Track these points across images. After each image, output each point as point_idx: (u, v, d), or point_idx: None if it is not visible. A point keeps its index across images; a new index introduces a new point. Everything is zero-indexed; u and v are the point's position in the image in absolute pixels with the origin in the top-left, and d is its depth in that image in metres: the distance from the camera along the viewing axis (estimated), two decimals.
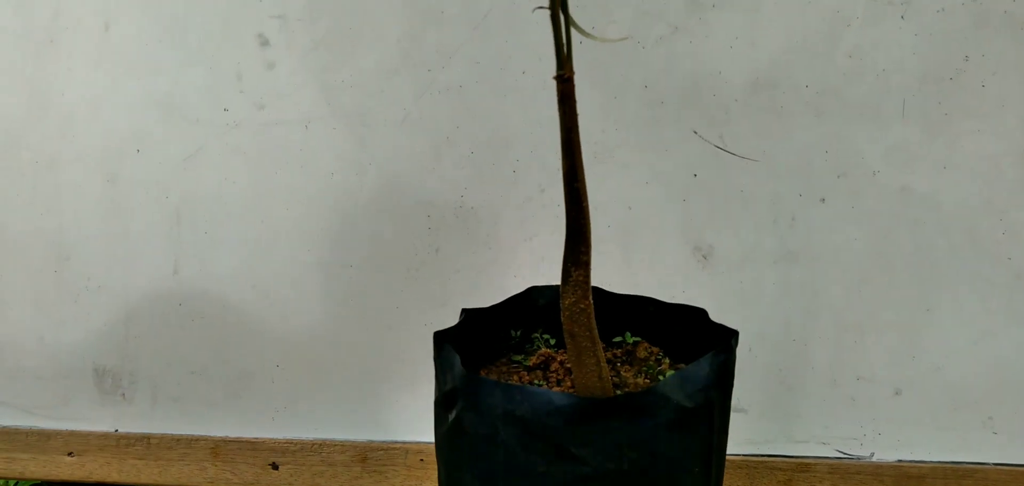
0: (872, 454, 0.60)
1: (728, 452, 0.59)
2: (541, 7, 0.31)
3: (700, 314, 0.37)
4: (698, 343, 0.36)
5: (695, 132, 0.60)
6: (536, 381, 0.37)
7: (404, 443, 0.63)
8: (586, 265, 0.33)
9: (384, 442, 0.64)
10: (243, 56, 0.64)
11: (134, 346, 0.66)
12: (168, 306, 0.65)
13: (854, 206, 0.59)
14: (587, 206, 0.33)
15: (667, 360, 0.38)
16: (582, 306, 0.33)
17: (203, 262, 0.65)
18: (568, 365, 0.34)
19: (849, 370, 0.60)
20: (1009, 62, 0.56)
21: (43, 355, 0.67)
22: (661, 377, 0.36)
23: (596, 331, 0.34)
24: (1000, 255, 0.57)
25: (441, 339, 0.33)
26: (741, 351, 0.60)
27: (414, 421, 0.62)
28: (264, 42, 0.64)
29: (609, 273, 0.61)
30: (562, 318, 0.34)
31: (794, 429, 0.61)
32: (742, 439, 0.60)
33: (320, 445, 0.65)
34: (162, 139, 0.65)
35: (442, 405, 0.34)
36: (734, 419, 0.60)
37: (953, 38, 0.57)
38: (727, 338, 0.33)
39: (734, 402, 0.60)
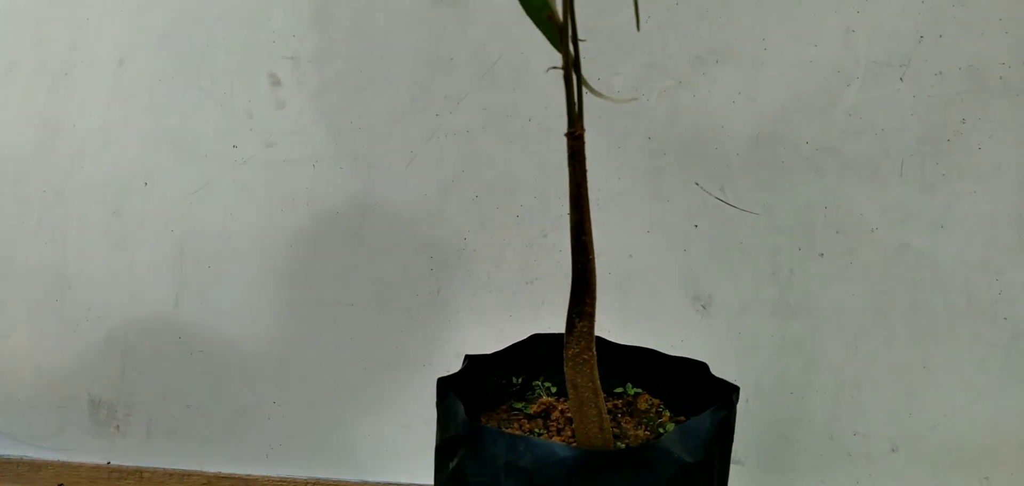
0: None
1: None
2: (555, 67, 0.32)
3: (701, 368, 0.38)
4: (699, 396, 0.37)
5: (697, 184, 0.61)
6: (537, 429, 0.37)
7: (399, 485, 0.63)
8: (590, 316, 0.33)
9: (380, 482, 0.63)
10: (255, 95, 0.65)
11: (131, 378, 0.66)
12: (167, 339, 0.65)
13: (852, 262, 0.60)
14: (593, 259, 0.33)
15: (667, 412, 0.39)
16: (586, 357, 0.34)
17: (204, 297, 0.65)
18: (569, 414, 0.35)
19: (846, 425, 0.60)
20: (1005, 126, 0.57)
21: (39, 384, 0.67)
22: (661, 430, 0.36)
23: (598, 382, 0.34)
24: (996, 314, 0.58)
25: (445, 386, 0.34)
26: (739, 403, 0.60)
27: (411, 462, 0.62)
28: (276, 82, 0.65)
29: (609, 319, 0.61)
30: (565, 368, 0.34)
31: (790, 482, 0.61)
32: None
33: (314, 484, 0.65)
34: (170, 174, 0.66)
35: (443, 452, 0.34)
36: (732, 472, 0.60)
37: (951, 101, 0.58)
38: (728, 393, 0.34)
39: (732, 455, 0.60)
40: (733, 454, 0.60)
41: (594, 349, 0.33)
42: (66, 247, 0.67)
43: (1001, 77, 0.58)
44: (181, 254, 0.66)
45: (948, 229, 0.58)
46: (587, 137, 0.61)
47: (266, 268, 0.64)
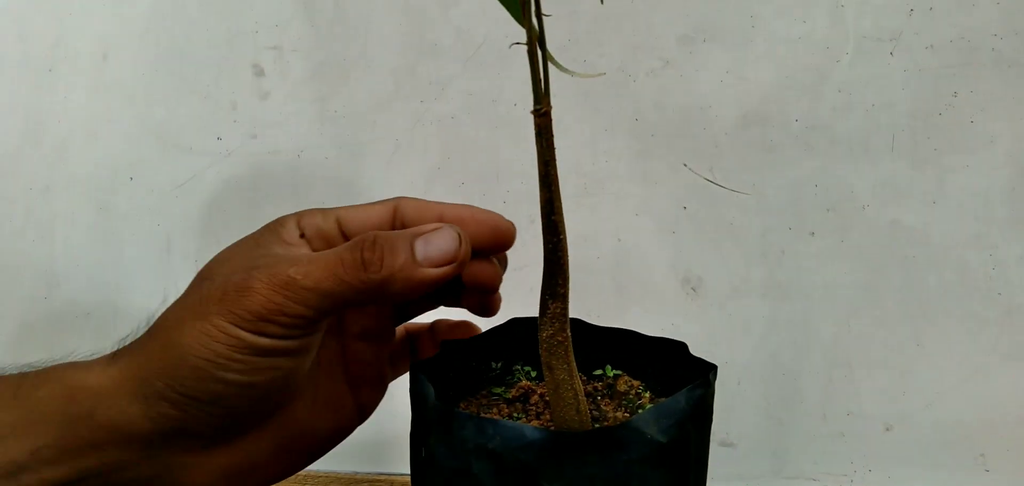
0: None
1: None
2: (518, 43, 0.31)
3: (681, 347, 0.37)
4: (679, 376, 0.36)
5: (685, 165, 0.61)
6: (515, 414, 0.37)
7: (389, 475, 0.63)
8: (564, 298, 0.33)
9: (369, 474, 0.63)
10: (238, 86, 0.64)
11: None
12: None
13: (844, 240, 0.59)
14: (565, 238, 0.33)
15: (648, 393, 0.38)
16: (560, 339, 0.33)
17: None
18: (548, 398, 0.34)
19: (839, 405, 0.59)
20: (997, 99, 0.57)
21: None
22: (641, 411, 0.36)
23: (574, 364, 0.34)
24: (990, 290, 0.57)
25: (416, 370, 0.33)
26: (730, 384, 0.60)
27: (400, 453, 0.61)
28: (259, 72, 0.64)
29: (598, 304, 0.61)
30: (540, 351, 0.33)
31: (783, 465, 0.60)
32: (730, 474, 0.60)
33: (305, 476, 0.64)
34: (155, 168, 0.65)
35: (416, 437, 0.33)
36: (722, 454, 0.59)
37: (942, 75, 0.57)
38: (705, 372, 0.33)
39: (723, 437, 0.60)
40: (725, 436, 0.60)
41: (569, 331, 0.33)
42: (54, 243, 0.67)
43: (993, 49, 0.57)
44: (168, 248, 0.66)
45: (940, 204, 0.58)
46: (572, 121, 0.61)
47: None
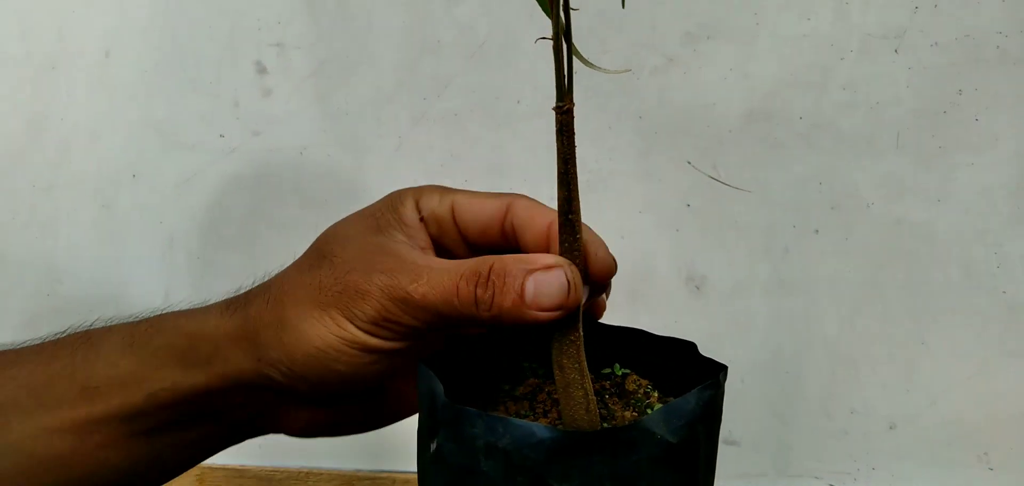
0: None
1: None
2: (544, 38, 0.31)
3: (690, 347, 0.37)
4: (688, 376, 0.36)
5: (689, 162, 0.60)
6: (522, 411, 0.36)
7: (391, 472, 0.63)
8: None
9: (371, 471, 0.63)
10: (241, 83, 0.64)
11: None
12: None
13: (848, 238, 0.59)
14: (582, 238, 0.33)
15: (656, 393, 0.38)
16: (572, 337, 0.33)
17: (194, 287, 0.65)
18: (556, 396, 0.34)
19: (843, 402, 0.59)
20: (1003, 96, 0.56)
21: None
22: (649, 410, 0.36)
23: (585, 363, 0.33)
24: (995, 288, 0.57)
25: (424, 366, 0.33)
26: (733, 382, 0.60)
27: (402, 450, 0.61)
28: (262, 69, 0.64)
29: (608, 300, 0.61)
30: (552, 349, 0.33)
31: (787, 462, 0.60)
32: (734, 472, 0.60)
33: (306, 474, 0.64)
34: (158, 165, 0.65)
35: (424, 434, 0.33)
36: (726, 452, 0.59)
37: (947, 72, 0.57)
38: (715, 372, 0.33)
39: (726, 434, 0.60)
40: (728, 434, 0.60)
41: (581, 330, 0.33)
42: (57, 241, 0.67)
43: (998, 46, 0.57)
44: (170, 246, 0.65)
45: (945, 202, 0.58)
46: (577, 118, 0.61)
47: (255, 257, 0.64)
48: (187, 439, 0.37)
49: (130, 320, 0.38)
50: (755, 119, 0.59)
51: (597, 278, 0.34)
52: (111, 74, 0.66)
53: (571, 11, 0.30)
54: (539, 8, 0.30)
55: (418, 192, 0.37)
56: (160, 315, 0.37)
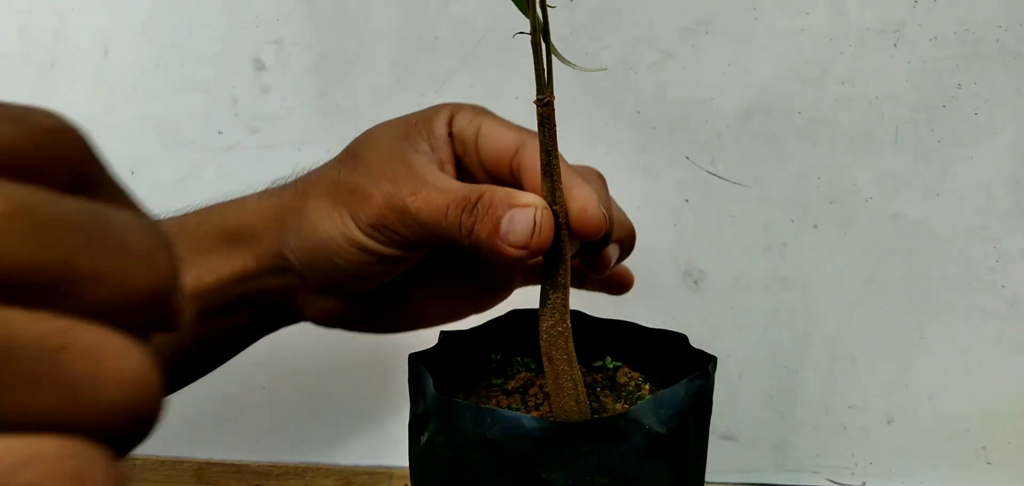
0: (864, 483, 0.60)
1: (718, 481, 0.59)
2: (522, 33, 0.31)
3: (681, 339, 0.37)
4: (680, 368, 0.36)
5: (687, 158, 0.60)
6: (514, 405, 0.37)
7: (389, 468, 0.63)
8: (565, 288, 0.33)
9: (369, 466, 0.63)
10: (239, 80, 0.64)
11: None
12: None
13: (846, 233, 0.59)
14: (565, 229, 0.33)
15: (648, 385, 0.38)
16: (560, 330, 0.33)
17: None
18: (547, 389, 0.34)
19: (841, 398, 0.59)
20: (1001, 90, 0.56)
21: None
22: (640, 401, 0.36)
23: (574, 355, 0.34)
24: (994, 283, 0.57)
25: (415, 360, 0.33)
26: (732, 378, 0.60)
27: (399, 446, 0.61)
28: (260, 66, 0.64)
29: (600, 297, 0.61)
30: (540, 341, 0.33)
31: (785, 457, 0.60)
32: (732, 467, 0.60)
33: (305, 469, 0.64)
34: (157, 162, 0.65)
35: (414, 427, 0.33)
36: (724, 447, 0.59)
37: (946, 66, 0.57)
38: (705, 363, 0.33)
39: (724, 430, 0.60)
40: (726, 429, 0.60)
41: (569, 321, 0.33)
42: None
43: (997, 40, 0.56)
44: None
45: (943, 197, 0.57)
46: (574, 113, 0.61)
47: None
48: (228, 325, 0.40)
49: (181, 213, 0.40)
50: (753, 114, 0.59)
51: (582, 233, 0.34)
52: (109, 72, 0.66)
53: (549, 9, 0.31)
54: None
55: (456, 108, 0.40)
56: (207, 207, 0.40)
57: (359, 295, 0.39)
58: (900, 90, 0.57)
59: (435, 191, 0.34)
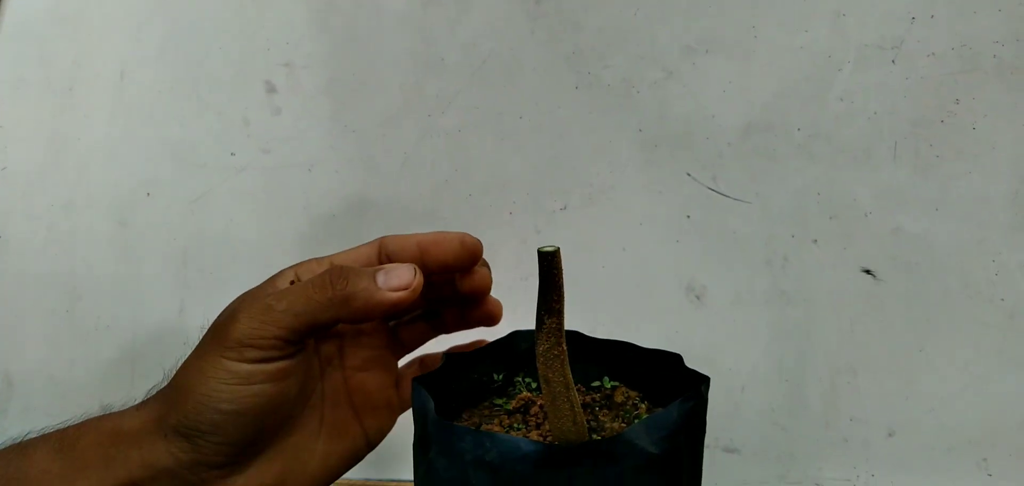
0: None
1: None
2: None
3: (676, 359, 0.38)
4: (677, 387, 0.37)
5: (689, 174, 0.61)
6: (515, 425, 0.38)
7: (398, 482, 0.64)
8: (559, 313, 0.34)
9: (378, 481, 0.65)
10: (251, 103, 0.66)
11: (140, 384, 0.67)
12: (173, 345, 0.67)
13: (846, 247, 0.59)
14: (559, 255, 0.34)
15: (645, 404, 0.39)
16: (556, 352, 0.34)
17: (208, 302, 0.66)
18: (546, 409, 0.35)
19: (842, 411, 0.60)
20: (999, 105, 0.57)
21: (53, 393, 0.69)
22: (638, 420, 0.37)
23: (570, 376, 0.35)
24: (993, 296, 0.57)
25: (418, 383, 0.34)
26: (734, 392, 0.60)
27: (408, 460, 0.63)
28: (271, 89, 0.66)
29: (602, 314, 0.62)
30: (537, 364, 0.35)
31: (787, 470, 0.61)
32: (735, 480, 0.61)
33: None
34: (171, 183, 0.67)
35: (418, 448, 0.35)
36: (727, 460, 0.60)
37: (944, 82, 0.58)
38: (697, 384, 0.34)
39: (727, 443, 0.61)
40: (728, 442, 0.61)
41: (564, 344, 0.34)
42: (75, 259, 0.69)
43: (995, 56, 0.57)
44: (184, 262, 0.67)
45: (943, 211, 0.58)
46: (577, 132, 0.62)
47: (266, 272, 0.65)
48: None
49: (62, 426, 0.39)
50: (754, 131, 0.60)
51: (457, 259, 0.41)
52: (126, 96, 0.68)
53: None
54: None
55: (297, 265, 0.42)
56: (86, 420, 0.39)
57: (253, 452, 0.38)
58: (899, 106, 0.58)
59: (295, 288, 0.37)
